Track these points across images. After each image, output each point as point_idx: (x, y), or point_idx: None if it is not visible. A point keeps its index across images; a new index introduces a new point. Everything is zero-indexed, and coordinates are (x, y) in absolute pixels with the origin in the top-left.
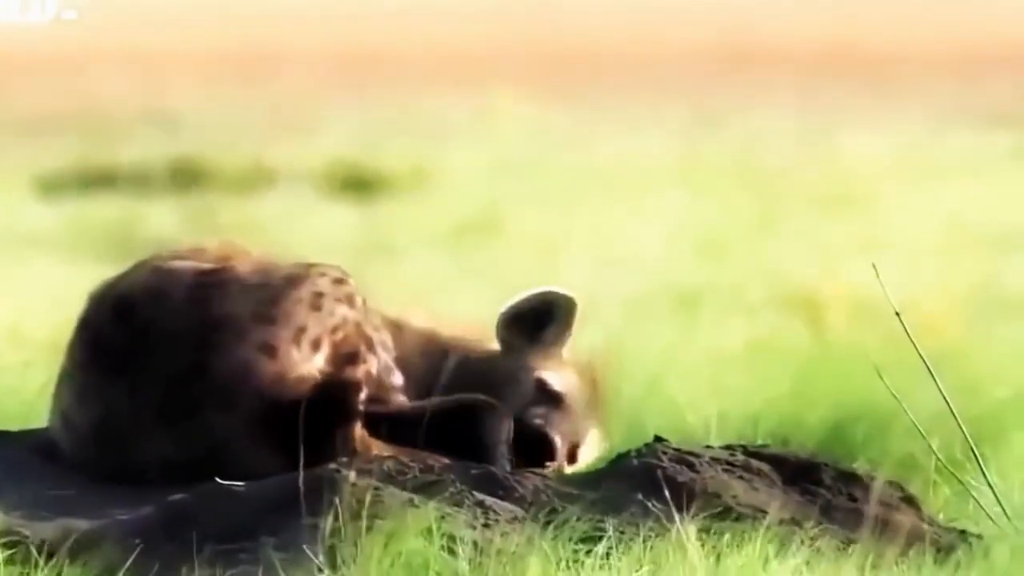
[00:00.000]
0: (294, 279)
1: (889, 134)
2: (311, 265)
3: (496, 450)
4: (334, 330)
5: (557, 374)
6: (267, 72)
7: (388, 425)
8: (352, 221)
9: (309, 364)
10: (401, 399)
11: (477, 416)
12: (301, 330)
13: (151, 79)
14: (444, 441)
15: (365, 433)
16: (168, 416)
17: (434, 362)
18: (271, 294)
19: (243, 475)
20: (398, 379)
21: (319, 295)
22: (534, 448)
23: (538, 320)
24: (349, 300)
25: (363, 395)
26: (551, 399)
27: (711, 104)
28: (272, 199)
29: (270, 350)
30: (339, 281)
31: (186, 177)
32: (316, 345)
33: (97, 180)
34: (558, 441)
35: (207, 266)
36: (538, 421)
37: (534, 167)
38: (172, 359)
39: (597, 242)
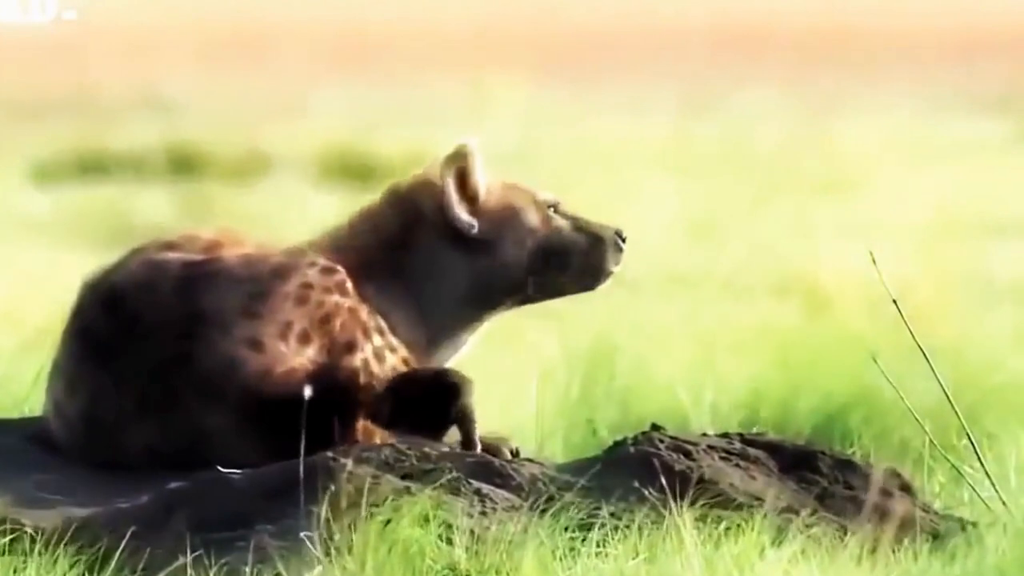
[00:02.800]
0: (282, 271)
1: (883, 119)
2: (299, 254)
3: (471, 424)
4: (323, 321)
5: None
6: (260, 57)
7: (368, 407)
8: (347, 207)
9: (299, 357)
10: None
11: (451, 391)
12: (288, 325)
13: (145, 65)
14: (417, 416)
15: (367, 422)
16: (152, 408)
17: None
18: (258, 288)
19: (230, 468)
20: (395, 363)
21: (307, 287)
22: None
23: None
24: (340, 288)
25: (361, 382)
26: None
27: (704, 87)
28: (267, 185)
29: (256, 345)
30: (328, 270)
31: (181, 164)
32: (305, 339)
33: (92, 167)
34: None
35: (195, 257)
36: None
37: (528, 151)
38: (157, 351)
39: None
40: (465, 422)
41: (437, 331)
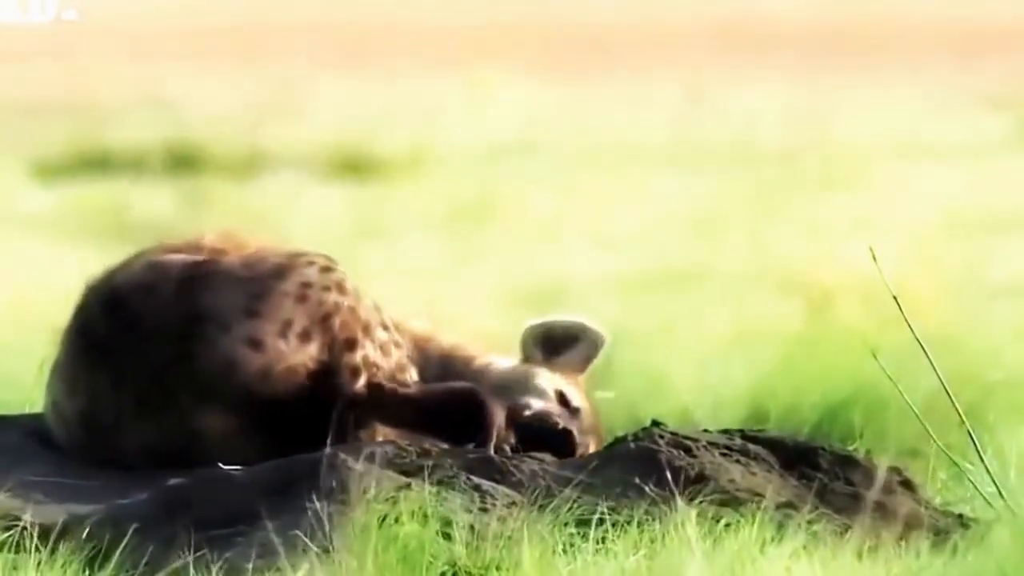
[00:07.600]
0: (280, 271)
1: (884, 116)
2: (298, 255)
3: (490, 436)
4: (324, 319)
5: (576, 391)
6: (260, 55)
7: (384, 409)
8: (347, 204)
9: (300, 355)
10: (406, 378)
11: (471, 403)
12: (288, 323)
13: (145, 65)
14: (438, 427)
15: (377, 422)
16: (151, 409)
17: (429, 370)
18: (257, 288)
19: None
20: (399, 358)
21: (306, 286)
22: (555, 443)
23: (565, 344)
24: (339, 287)
25: (362, 380)
26: (570, 411)
27: (705, 83)
28: (267, 182)
29: (256, 344)
30: (326, 269)
31: (181, 160)
32: (306, 337)
33: (92, 164)
34: (578, 437)
35: (196, 258)
36: (558, 420)
37: (529, 148)
38: (157, 354)
39: (592, 223)
40: (485, 439)
41: None
